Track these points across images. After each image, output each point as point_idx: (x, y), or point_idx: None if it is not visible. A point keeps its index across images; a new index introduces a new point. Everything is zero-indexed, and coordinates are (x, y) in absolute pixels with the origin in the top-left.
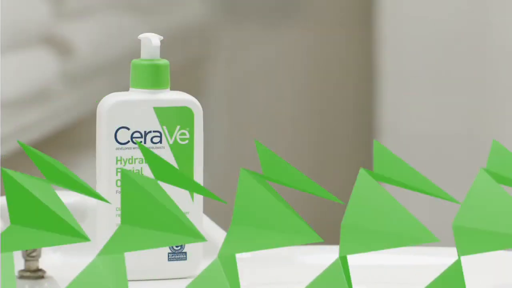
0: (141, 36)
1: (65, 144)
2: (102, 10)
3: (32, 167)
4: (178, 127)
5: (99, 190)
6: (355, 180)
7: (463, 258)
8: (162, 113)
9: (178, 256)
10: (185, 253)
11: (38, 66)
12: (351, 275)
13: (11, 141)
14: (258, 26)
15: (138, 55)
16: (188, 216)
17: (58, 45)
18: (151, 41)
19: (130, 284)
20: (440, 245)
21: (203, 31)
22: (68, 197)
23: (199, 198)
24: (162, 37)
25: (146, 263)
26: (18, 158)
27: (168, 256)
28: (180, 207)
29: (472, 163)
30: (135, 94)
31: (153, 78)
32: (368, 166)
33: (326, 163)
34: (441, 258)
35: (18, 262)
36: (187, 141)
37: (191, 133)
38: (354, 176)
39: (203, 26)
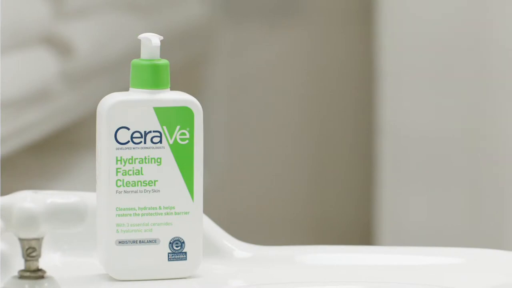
0: (141, 36)
1: (65, 144)
2: (102, 10)
3: (32, 167)
4: (178, 127)
5: (99, 190)
6: (355, 180)
7: (463, 258)
8: (162, 113)
9: (178, 256)
10: (185, 253)
11: (38, 66)
12: (351, 274)
13: (11, 141)
14: (258, 26)
15: (138, 55)
16: (188, 216)
17: (58, 45)
18: (151, 41)
19: (130, 284)
20: (440, 245)
21: (203, 31)
22: (68, 197)
23: (199, 198)
24: (162, 37)
25: (146, 263)
26: (18, 158)
27: (168, 256)
28: (180, 207)
29: (472, 163)
30: (135, 94)
31: (153, 78)
32: (368, 165)
33: (327, 163)
34: (442, 258)
35: (18, 262)
36: (187, 141)
37: (191, 133)
38: (354, 175)
39: (203, 26)
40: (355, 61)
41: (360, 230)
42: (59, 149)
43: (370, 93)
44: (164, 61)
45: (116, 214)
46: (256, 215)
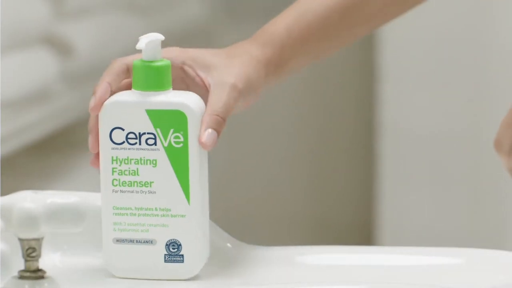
0: (141, 36)
1: (65, 144)
2: (102, 10)
3: (32, 167)
4: (171, 130)
5: (101, 189)
6: (355, 179)
7: (463, 258)
8: (155, 115)
9: (174, 259)
10: (182, 255)
11: (38, 66)
12: (351, 274)
13: (11, 141)
14: (258, 26)
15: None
16: (184, 219)
17: (58, 45)
18: (151, 41)
19: (129, 283)
20: (441, 245)
21: (203, 31)
22: (68, 197)
23: (196, 201)
24: (163, 37)
25: (143, 263)
26: (18, 158)
27: (165, 258)
28: (176, 210)
29: (472, 162)
30: (130, 95)
31: (149, 79)
32: (369, 163)
33: (326, 163)
34: (442, 258)
35: (18, 262)
36: (181, 145)
37: (185, 136)
38: (354, 175)
39: (203, 26)
40: (355, 61)
41: (360, 230)
42: (59, 149)
43: (370, 93)
44: (164, 62)
45: (113, 213)
46: (256, 215)
